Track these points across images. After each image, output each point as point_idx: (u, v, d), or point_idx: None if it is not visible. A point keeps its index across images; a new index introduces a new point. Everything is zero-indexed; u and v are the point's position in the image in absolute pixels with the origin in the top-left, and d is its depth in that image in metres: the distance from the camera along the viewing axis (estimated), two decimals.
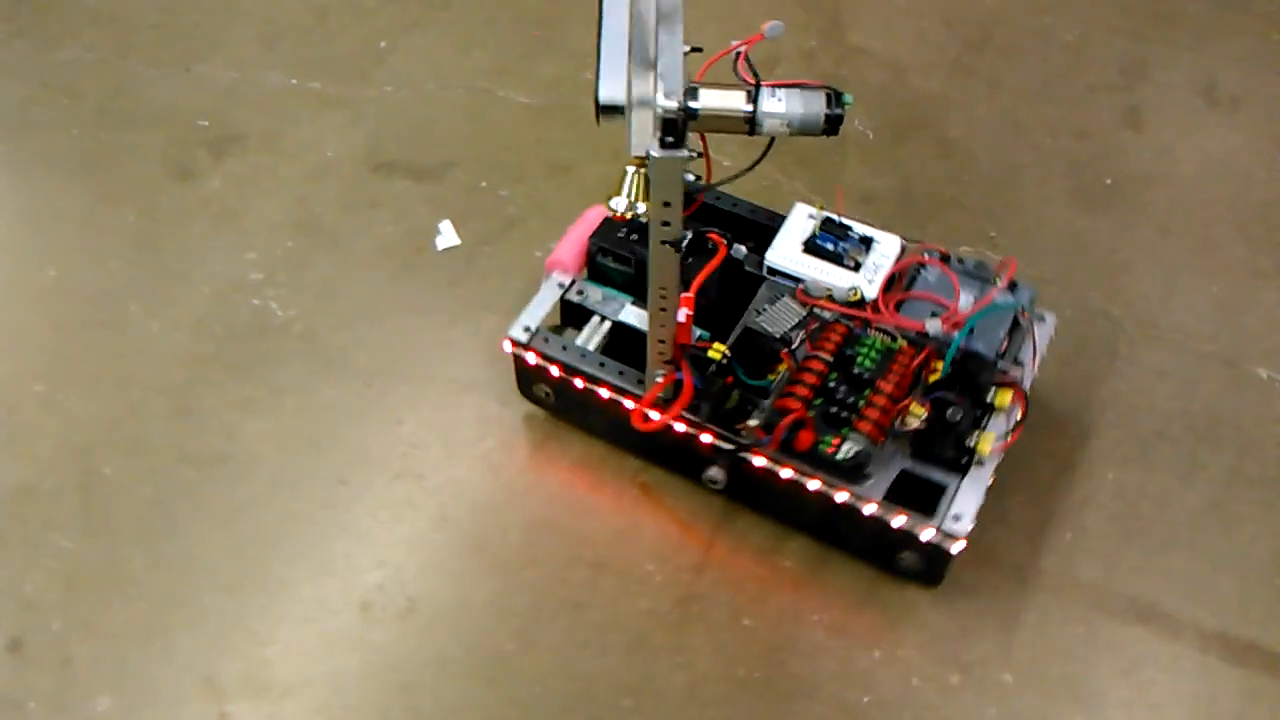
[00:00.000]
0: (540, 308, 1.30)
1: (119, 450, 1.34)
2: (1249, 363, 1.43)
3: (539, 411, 1.37)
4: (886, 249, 1.29)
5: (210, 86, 1.74)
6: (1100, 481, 1.33)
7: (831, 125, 0.97)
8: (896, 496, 1.15)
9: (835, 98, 0.97)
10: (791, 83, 0.98)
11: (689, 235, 1.20)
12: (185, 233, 1.56)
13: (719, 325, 1.25)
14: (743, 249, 1.29)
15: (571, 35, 1.82)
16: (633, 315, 1.28)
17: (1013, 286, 1.25)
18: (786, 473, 1.18)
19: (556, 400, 1.33)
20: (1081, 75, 1.77)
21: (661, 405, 1.19)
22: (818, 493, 1.17)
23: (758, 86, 0.97)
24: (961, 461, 1.16)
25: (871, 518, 1.16)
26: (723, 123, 0.99)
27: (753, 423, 1.17)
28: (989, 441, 1.15)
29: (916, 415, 1.15)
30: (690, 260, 1.22)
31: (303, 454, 1.34)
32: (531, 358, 1.28)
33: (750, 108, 0.97)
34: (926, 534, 1.14)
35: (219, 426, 1.36)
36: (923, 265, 1.28)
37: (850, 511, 1.17)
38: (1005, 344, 1.22)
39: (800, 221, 1.31)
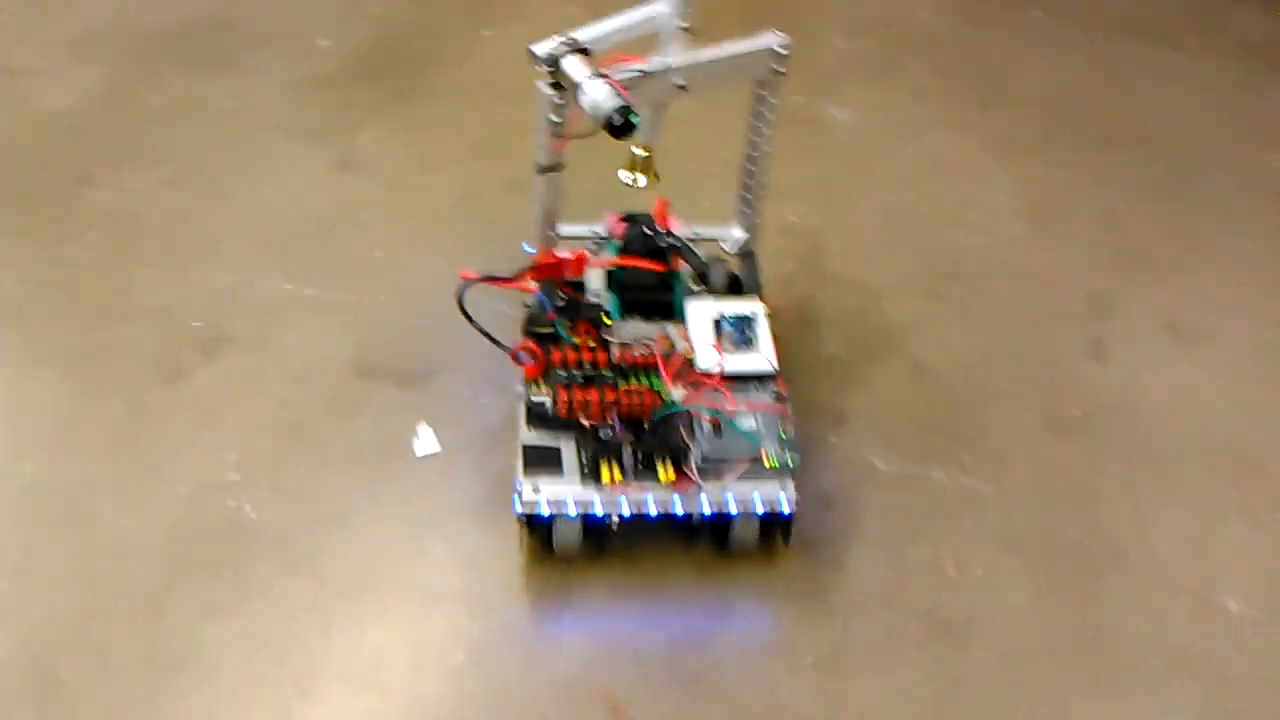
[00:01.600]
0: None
1: (79, 652, 1.31)
2: (1219, 595, 1.43)
3: (513, 622, 1.36)
4: (755, 363, 1.47)
5: (208, 289, 1.79)
6: (1070, 712, 1.31)
7: (615, 129, 1.26)
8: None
9: (625, 114, 1.25)
10: (623, 89, 1.26)
11: (559, 164, 1.41)
12: (167, 431, 1.57)
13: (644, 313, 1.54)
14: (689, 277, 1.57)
15: None
16: None
17: (785, 439, 1.41)
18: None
19: None
20: (1048, 307, 1.84)
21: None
22: None
23: (597, 75, 1.28)
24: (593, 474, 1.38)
25: None
26: (569, 80, 1.30)
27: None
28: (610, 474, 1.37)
29: (602, 416, 1.40)
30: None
31: (265, 662, 1.32)
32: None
33: (580, 80, 1.28)
34: (516, 490, 1.37)
35: (183, 630, 1.34)
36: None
37: None
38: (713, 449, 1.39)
39: (745, 305, 1.52)
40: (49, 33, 2.37)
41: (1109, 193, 2.10)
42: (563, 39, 1.32)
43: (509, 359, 1.45)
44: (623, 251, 1.56)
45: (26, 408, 1.61)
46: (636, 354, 1.45)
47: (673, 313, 1.53)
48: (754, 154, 1.55)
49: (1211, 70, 2.49)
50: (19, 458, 1.53)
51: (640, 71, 1.31)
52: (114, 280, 1.80)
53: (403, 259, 1.87)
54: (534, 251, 1.53)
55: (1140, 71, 2.48)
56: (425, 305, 1.78)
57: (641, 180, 1.47)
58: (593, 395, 1.40)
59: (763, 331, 1.48)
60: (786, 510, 1.38)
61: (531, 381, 1.44)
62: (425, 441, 1.58)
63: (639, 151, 1.46)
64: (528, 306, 1.52)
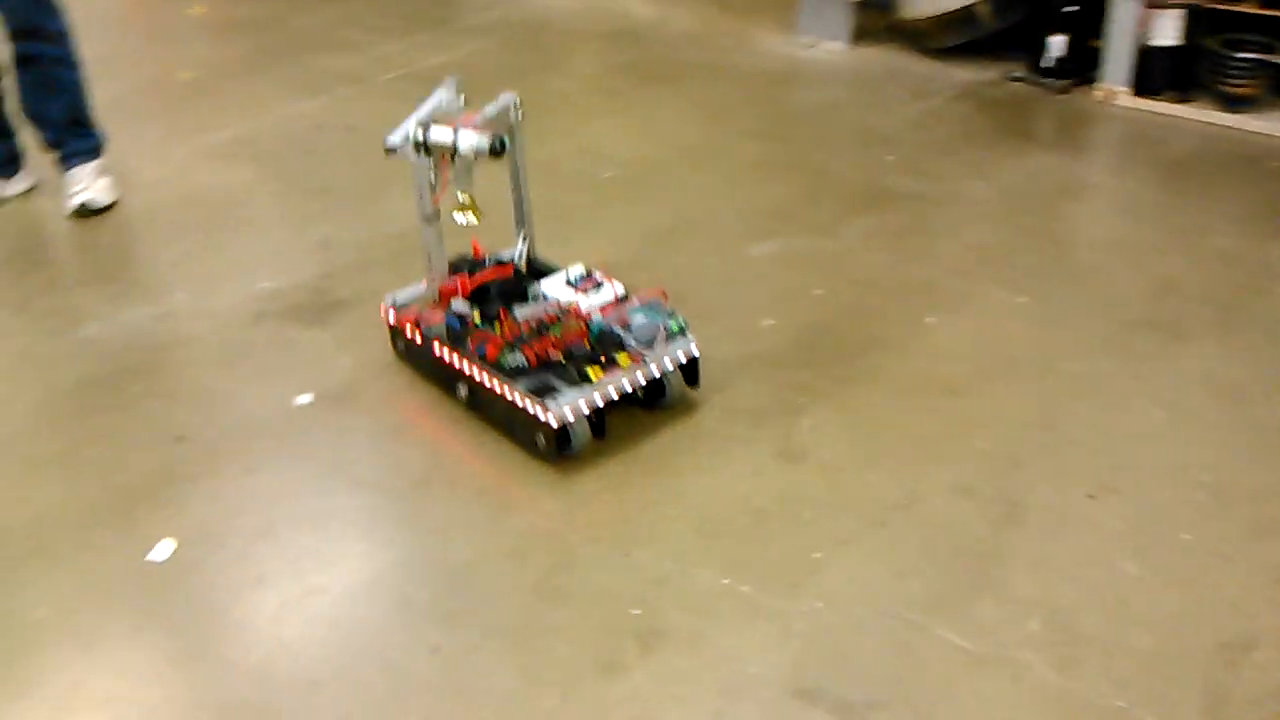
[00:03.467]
0: (407, 293, 2.27)
1: None
2: None
3: None
4: (610, 290, 2.24)
5: (648, 574, 1.78)
6: None
7: (496, 152, 1.97)
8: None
9: (500, 140, 1.97)
10: (477, 129, 1.98)
11: (438, 214, 2.12)
12: None
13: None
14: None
15: (1014, 575, 1.74)
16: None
17: (672, 314, 2.14)
18: (488, 381, 2.04)
19: (406, 351, 2.26)
20: None
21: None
22: (500, 393, 2.02)
23: (456, 128, 1.98)
24: (580, 381, 1.99)
25: (519, 407, 1.98)
26: (441, 148, 2.00)
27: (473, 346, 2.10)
28: (596, 373, 1.99)
29: (557, 352, 2.04)
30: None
31: None
32: (393, 316, 2.25)
33: (451, 140, 1.98)
34: (543, 415, 1.94)
35: None
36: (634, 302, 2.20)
37: (512, 405, 2.00)
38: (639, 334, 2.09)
39: (573, 270, 2.27)
40: None
41: None
42: (410, 127, 2.01)
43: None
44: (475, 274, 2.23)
45: (468, 687, 1.62)
46: (544, 315, 2.13)
47: (528, 297, 2.22)
48: (518, 186, 2.26)
49: None
50: None
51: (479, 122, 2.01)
52: (558, 554, 1.83)
53: (841, 564, 1.78)
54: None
55: None
56: (865, 621, 1.67)
57: (473, 219, 2.06)
58: (543, 344, 2.05)
59: (599, 276, 2.24)
60: (696, 353, 2.11)
61: (497, 358, 2.03)
62: None
63: (463, 199, 2.05)
64: (434, 332, 2.15)
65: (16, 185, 3.05)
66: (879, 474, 1.98)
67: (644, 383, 2.04)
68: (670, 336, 2.08)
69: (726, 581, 1.76)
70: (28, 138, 3.02)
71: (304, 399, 2.22)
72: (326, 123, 3.41)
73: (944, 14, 3.62)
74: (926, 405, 2.15)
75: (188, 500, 1.99)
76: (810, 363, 2.28)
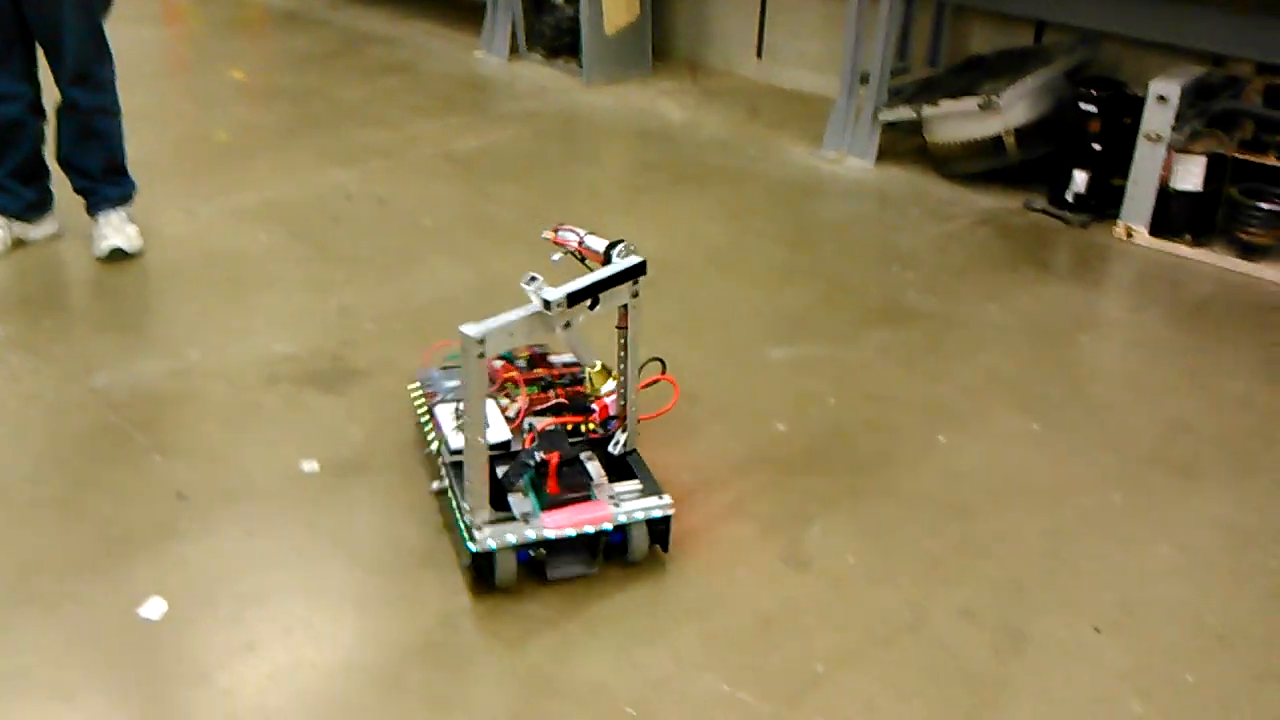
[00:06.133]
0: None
1: None
2: None
3: None
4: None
5: (645, 674, 1.75)
6: None
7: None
8: None
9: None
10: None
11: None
12: None
13: None
14: None
15: (1018, 707, 1.70)
16: None
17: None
18: None
19: None
20: None
21: None
22: None
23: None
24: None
25: None
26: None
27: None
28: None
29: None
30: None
31: None
32: None
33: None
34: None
35: None
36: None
37: None
38: None
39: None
40: None
41: None
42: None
43: None
44: None
45: None
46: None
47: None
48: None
49: None
50: None
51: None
52: (559, 645, 1.80)
53: (843, 680, 1.75)
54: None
55: None
56: None
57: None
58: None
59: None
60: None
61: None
62: None
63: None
64: None
65: (43, 229, 3.07)
66: (886, 590, 1.95)
67: None
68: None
69: (726, 688, 1.73)
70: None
71: (310, 466, 2.20)
72: (357, 193, 3.44)
73: (971, 141, 3.69)
74: (936, 524, 2.13)
75: (183, 558, 1.96)
76: (821, 471, 2.27)
